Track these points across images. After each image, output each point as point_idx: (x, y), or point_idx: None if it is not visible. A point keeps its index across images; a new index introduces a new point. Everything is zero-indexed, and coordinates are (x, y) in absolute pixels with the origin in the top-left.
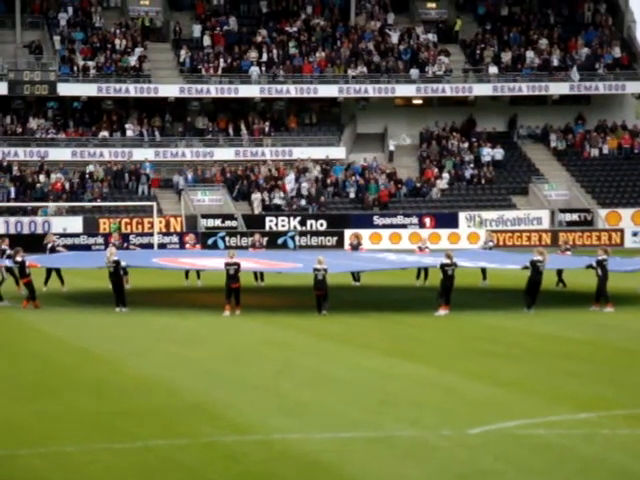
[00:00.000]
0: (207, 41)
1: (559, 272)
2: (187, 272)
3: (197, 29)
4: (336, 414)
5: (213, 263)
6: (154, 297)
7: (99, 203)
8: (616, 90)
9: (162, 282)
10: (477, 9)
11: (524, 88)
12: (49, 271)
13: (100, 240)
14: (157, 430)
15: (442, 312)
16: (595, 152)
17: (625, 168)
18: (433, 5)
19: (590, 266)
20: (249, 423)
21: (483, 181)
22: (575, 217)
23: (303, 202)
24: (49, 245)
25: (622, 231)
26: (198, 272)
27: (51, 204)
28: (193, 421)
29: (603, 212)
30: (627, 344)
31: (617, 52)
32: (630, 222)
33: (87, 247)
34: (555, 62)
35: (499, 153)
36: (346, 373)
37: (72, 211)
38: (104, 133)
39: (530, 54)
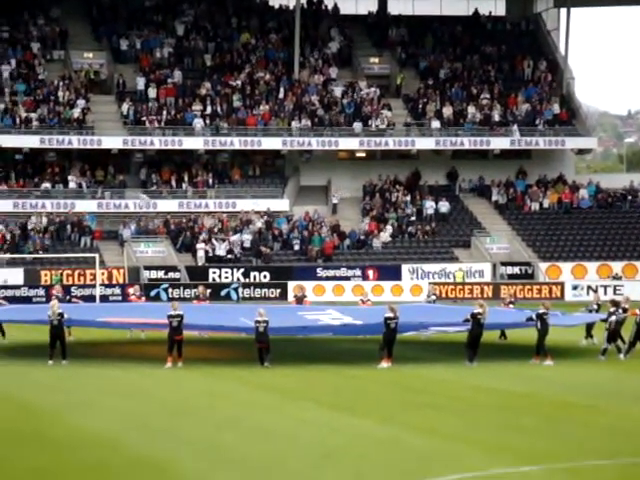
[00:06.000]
0: (151, 93)
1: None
2: None
3: (141, 82)
4: (278, 468)
5: (158, 320)
6: (96, 349)
7: (40, 255)
8: (556, 145)
9: (105, 334)
10: (419, 64)
11: (466, 142)
12: None
13: (41, 292)
14: None
15: (384, 364)
16: (536, 206)
17: (565, 222)
18: (376, 60)
19: (530, 319)
20: (192, 478)
21: (426, 234)
22: (516, 270)
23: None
24: None
25: (562, 284)
26: None
27: None
28: (135, 476)
29: (544, 265)
30: (566, 397)
31: (556, 108)
32: (570, 275)
33: (28, 299)
34: (496, 117)
35: (444, 206)
36: (288, 426)
37: (13, 263)
38: (46, 185)
39: (471, 109)
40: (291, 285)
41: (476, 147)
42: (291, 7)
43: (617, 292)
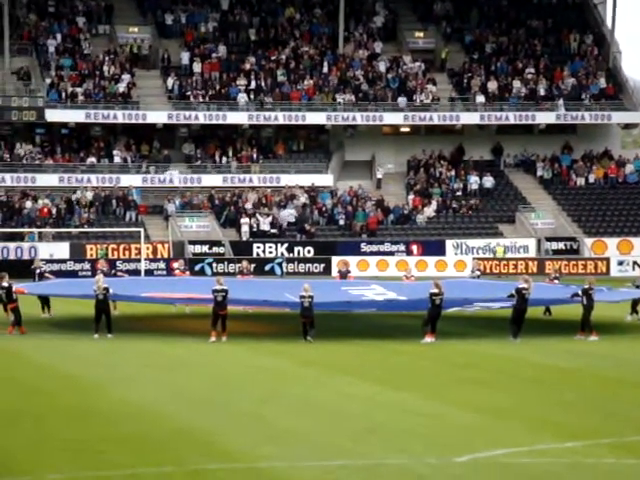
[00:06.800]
0: (196, 68)
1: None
2: None
3: (186, 56)
4: (323, 442)
5: (202, 295)
6: (141, 323)
7: (86, 229)
8: (602, 120)
9: (149, 308)
10: (464, 39)
11: (511, 117)
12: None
13: (87, 266)
14: (143, 457)
15: (428, 340)
16: (581, 181)
17: (611, 197)
18: (420, 35)
19: (576, 294)
20: (235, 451)
21: (470, 209)
22: (561, 246)
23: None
24: (37, 271)
25: (608, 260)
26: None
27: (37, 230)
28: (180, 448)
29: (589, 241)
30: (611, 373)
31: (603, 82)
32: (616, 251)
33: (74, 273)
34: (541, 92)
35: (489, 181)
36: (332, 400)
37: (59, 237)
38: (92, 159)
39: (517, 84)
40: (335, 260)
41: (521, 122)
42: None
43: None
